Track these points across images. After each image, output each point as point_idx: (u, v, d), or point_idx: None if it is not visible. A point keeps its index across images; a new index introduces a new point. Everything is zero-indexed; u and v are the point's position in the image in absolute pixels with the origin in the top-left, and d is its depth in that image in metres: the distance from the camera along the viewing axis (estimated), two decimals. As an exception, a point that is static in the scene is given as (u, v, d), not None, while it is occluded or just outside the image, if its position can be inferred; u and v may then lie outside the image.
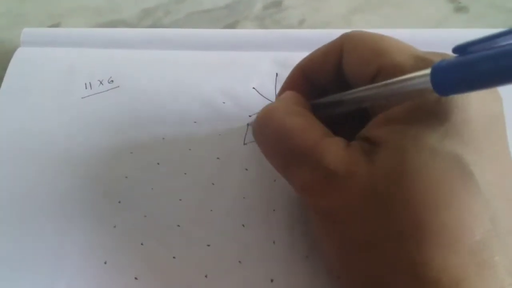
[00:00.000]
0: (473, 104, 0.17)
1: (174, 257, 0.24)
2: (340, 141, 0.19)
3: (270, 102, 0.28)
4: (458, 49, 0.16)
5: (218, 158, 0.27)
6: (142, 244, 0.24)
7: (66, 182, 0.26)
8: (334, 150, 0.19)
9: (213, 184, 0.26)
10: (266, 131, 0.21)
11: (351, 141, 0.19)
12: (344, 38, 0.22)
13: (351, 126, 0.21)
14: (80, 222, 0.25)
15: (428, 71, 0.16)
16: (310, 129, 0.20)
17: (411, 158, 0.17)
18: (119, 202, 0.25)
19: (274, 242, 0.24)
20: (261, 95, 0.29)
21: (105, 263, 0.24)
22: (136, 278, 0.23)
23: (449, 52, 0.17)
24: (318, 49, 0.23)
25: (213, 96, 0.29)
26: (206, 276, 0.23)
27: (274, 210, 0.25)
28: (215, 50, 0.31)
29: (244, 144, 0.27)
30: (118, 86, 0.30)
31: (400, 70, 0.18)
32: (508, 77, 0.14)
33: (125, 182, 0.26)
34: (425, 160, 0.17)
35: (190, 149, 0.27)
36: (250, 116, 0.28)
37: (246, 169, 0.26)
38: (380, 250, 0.17)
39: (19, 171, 0.27)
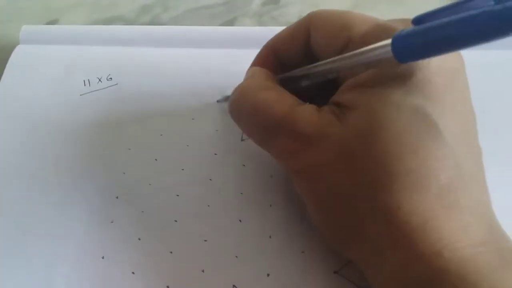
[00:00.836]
0: (433, 62, 0.19)
1: (171, 252, 0.24)
2: (311, 107, 0.20)
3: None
4: (416, 20, 0.18)
5: (215, 154, 0.27)
6: (139, 239, 0.24)
7: (64, 177, 0.27)
8: (306, 116, 0.20)
9: (210, 179, 0.26)
10: (242, 108, 0.23)
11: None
12: (310, 16, 0.23)
13: (321, 96, 0.22)
14: (78, 217, 0.25)
15: (389, 41, 0.17)
16: (282, 100, 0.21)
17: (378, 114, 0.18)
18: (117, 197, 0.26)
19: (270, 237, 0.24)
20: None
21: (103, 258, 0.24)
22: (133, 273, 0.23)
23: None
24: (286, 29, 0.24)
25: (211, 93, 0.29)
26: (203, 271, 0.23)
27: (270, 205, 0.25)
28: (213, 47, 0.31)
29: (242, 140, 0.27)
30: (117, 84, 0.30)
31: (364, 40, 0.19)
32: (454, 44, 0.15)
33: (123, 177, 0.26)
34: (390, 114, 0.18)
35: (187, 145, 0.27)
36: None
37: (243, 165, 0.27)
38: (353, 201, 0.19)
39: (17, 168, 0.27)
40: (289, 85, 0.23)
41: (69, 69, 0.31)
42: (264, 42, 0.31)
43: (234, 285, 0.23)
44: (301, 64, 0.23)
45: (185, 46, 0.32)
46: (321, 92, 0.22)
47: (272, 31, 0.32)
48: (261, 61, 0.25)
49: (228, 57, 0.31)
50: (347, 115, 0.19)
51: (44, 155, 0.27)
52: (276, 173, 0.26)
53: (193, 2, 0.36)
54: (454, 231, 0.17)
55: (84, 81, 0.30)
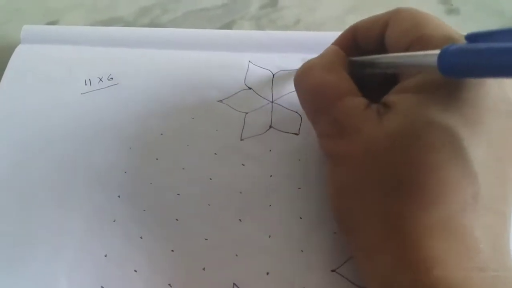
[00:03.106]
0: (487, 86, 0.19)
1: (172, 251, 0.24)
2: (361, 101, 0.21)
3: (266, 100, 0.29)
4: (470, 37, 0.17)
5: (215, 153, 0.27)
6: (141, 237, 0.25)
7: (65, 177, 0.27)
8: (353, 108, 0.21)
9: (210, 179, 0.26)
10: (303, 84, 0.24)
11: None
12: (393, 11, 0.23)
13: (385, 91, 0.22)
14: (80, 216, 0.25)
15: (438, 51, 0.17)
16: (339, 86, 0.22)
17: (411, 123, 0.19)
18: (119, 196, 0.26)
19: (270, 236, 0.25)
20: (258, 95, 0.30)
21: (105, 256, 0.24)
22: (135, 271, 0.24)
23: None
24: (372, 16, 0.25)
25: (210, 93, 0.30)
26: (203, 269, 0.24)
27: (270, 205, 0.25)
28: (213, 50, 0.32)
29: (241, 139, 0.28)
30: (118, 83, 0.30)
31: (428, 44, 0.20)
32: (506, 72, 0.15)
33: (124, 177, 0.27)
34: (423, 127, 0.18)
35: (188, 145, 0.28)
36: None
37: (243, 165, 0.27)
38: (363, 197, 0.20)
39: (18, 167, 0.27)
40: (356, 69, 0.24)
41: (70, 69, 0.31)
42: (262, 45, 0.32)
43: (234, 283, 0.23)
44: (374, 53, 0.23)
45: (185, 48, 0.32)
46: (384, 88, 0.23)
47: (271, 35, 0.33)
48: (342, 39, 0.26)
49: (227, 59, 0.31)
50: (387, 115, 0.20)
51: (45, 154, 0.28)
52: (276, 173, 0.26)
53: (192, 5, 0.37)
54: (450, 253, 0.17)
55: (85, 80, 0.31)
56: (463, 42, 0.18)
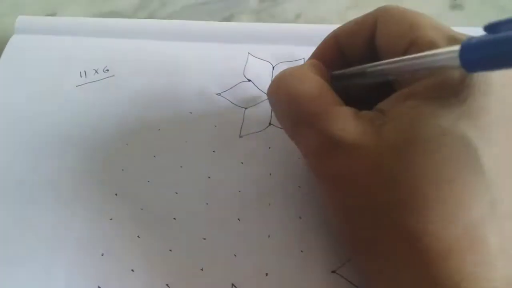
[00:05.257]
0: (493, 92, 0.18)
1: (170, 250, 0.24)
2: (349, 111, 0.20)
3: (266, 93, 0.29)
4: (488, 28, 0.16)
5: (213, 151, 0.27)
6: (138, 236, 0.24)
7: (60, 173, 0.26)
8: (342, 118, 0.19)
9: (209, 177, 0.26)
10: (278, 94, 0.22)
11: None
12: (379, 10, 0.22)
13: (369, 101, 0.21)
14: (76, 214, 0.25)
15: (457, 47, 0.16)
16: (320, 96, 0.20)
17: (421, 133, 0.17)
18: (116, 194, 0.26)
19: (269, 236, 0.24)
20: (257, 87, 0.29)
21: (102, 255, 0.24)
22: (132, 270, 0.23)
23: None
24: (353, 20, 0.23)
25: (209, 87, 0.29)
26: (202, 269, 0.23)
27: (269, 204, 0.25)
28: (211, 42, 0.31)
29: (240, 136, 0.27)
30: (114, 75, 0.30)
31: (431, 46, 0.18)
32: None
33: (121, 174, 0.26)
34: (435, 137, 0.17)
35: (186, 142, 0.27)
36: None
37: (242, 163, 0.27)
38: (377, 217, 0.18)
39: (13, 160, 0.27)
40: (342, 82, 0.22)
41: (65, 60, 0.31)
42: (262, 37, 0.31)
43: (233, 284, 0.23)
44: (363, 59, 0.22)
45: (183, 40, 0.31)
46: (371, 96, 0.21)
47: (270, 27, 0.32)
48: (322, 50, 0.24)
49: (226, 51, 0.31)
50: (388, 125, 0.18)
51: (40, 149, 0.27)
52: (275, 171, 0.26)
53: (190, -2, 0.36)
54: (475, 265, 0.17)
55: (80, 72, 0.30)
56: (465, 37, 0.17)
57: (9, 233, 0.25)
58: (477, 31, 0.16)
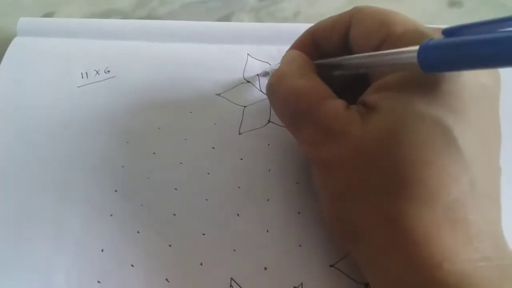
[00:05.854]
0: (464, 75, 0.18)
1: (170, 246, 0.24)
2: (340, 103, 0.21)
3: (265, 94, 0.29)
4: (447, 32, 0.17)
5: (213, 148, 0.27)
6: (138, 232, 0.24)
7: (62, 171, 0.27)
8: (333, 110, 0.20)
9: (208, 173, 0.26)
10: (276, 94, 0.23)
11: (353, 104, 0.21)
12: (354, 10, 0.23)
13: (354, 92, 0.22)
14: (77, 210, 0.25)
15: (416, 47, 0.17)
16: (315, 90, 0.22)
17: (399, 121, 0.18)
18: (116, 191, 0.26)
19: (268, 231, 0.24)
20: (255, 87, 0.29)
21: (102, 251, 0.24)
22: (132, 266, 0.24)
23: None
24: (329, 18, 0.24)
25: (208, 87, 0.29)
26: (201, 264, 0.24)
27: (268, 200, 0.25)
28: (211, 43, 0.31)
29: (239, 134, 0.28)
30: (115, 76, 0.30)
31: (400, 42, 0.19)
32: (481, 63, 0.15)
33: (121, 171, 0.26)
34: (411, 123, 0.18)
35: (185, 139, 0.27)
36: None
37: (241, 159, 0.27)
38: (362, 201, 0.19)
39: (15, 160, 0.27)
40: (322, 72, 0.23)
41: (67, 61, 0.31)
42: (261, 38, 0.32)
43: (232, 278, 0.23)
44: (338, 55, 0.23)
45: (183, 41, 0.32)
46: (354, 88, 0.22)
47: (269, 27, 0.32)
48: (300, 45, 0.25)
49: (226, 52, 0.31)
50: (370, 116, 0.19)
51: (41, 148, 0.27)
52: (274, 168, 0.26)
53: (190, -4, 0.36)
54: (457, 245, 0.17)
55: (81, 73, 0.30)
56: (435, 36, 0.18)
57: (9, 228, 0.25)
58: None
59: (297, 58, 0.24)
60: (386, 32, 0.20)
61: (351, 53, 0.22)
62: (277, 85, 0.23)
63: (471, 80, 0.19)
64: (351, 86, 0.23)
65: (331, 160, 0.20)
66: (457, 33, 0.17)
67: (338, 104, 0.21)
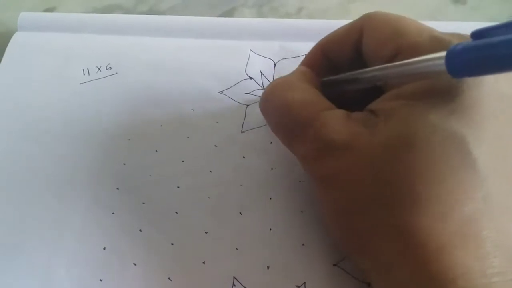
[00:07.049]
0: (485, 85, 0.18)
1: (172, 244, 0.24)
2: (340, 113, 0.20)
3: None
4: (475, 34, 0.16)
5: (215, 145, 0.27)
6: (140, 230, 0.24)
7: (63, 168, 0.26)
8: (333, 121, 0.19)
9: (210, 171, 0.26)
10: (269, 105, 0.23)
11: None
12: (364, 18, 0.22)
13: (361, 102, 0.21)
14: (79, 208, 0.25)
15: (443, 53, 0.16)
16: (310, 103, 0.21)
17: (414, 131, 0.18)
18: (118, 188, 0.26)
19: (270, 230, 0.24)
20: (259, 84, 0.29)
21: (104, 249, 0.24)
22: (134, 264, 0.23)
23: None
24: (339, 28, 0.23)
25: (211, 84, 0.29)
26: (203, 263, 0.24)
27: (270, 198, 0.25)
28: (213, 38, 0.31)
29: (242, 132, 0.27)
30: (116, 73, 0.30)
31: (417, 50, 0.18)
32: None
33: (123, 169, 0.26)
34: (427, 135, 0.17)
35: (188, 137, 0.27)
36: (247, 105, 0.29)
37: (244, 157, 0.27)
38: (371, 215, 0.18)
39: (15, 157, 0.27)
40: (333, 88, 0.23)
41: (68, 58, 0.31)
42: (264, 34, 0.31)
43: (234, 277, 0.23)
44: (351, 66, 0.22)
45: (186, 36, 0.31)
46: (362, 98, 0.21)
47: (272, 23, 0.32)
48: (310, 59, 0.25)
49: (228, 48, 0.31)
50: (380, 124, 0.18)
51: (43, 145, 0.27)
52: (277, 166, 0.26)
53: (192, -9, 0.36)
54: (470, 261, 0.17)
55: (83, 70, 0.30)
56: (453, 42, 0.17)
57: (11, 227, 0.25)
58: (480, 25, 0.16)
59: (295, 71, 0.23)
60: (400, 41, 0.20)
61: (363, 63, 0.22)
62: (270, 97, 0.22)
63: (492, 91, 0.18)
64: (356, 97, 0.22)
65: (333, 175, 0.19)
66: (487, 35, 0.16)
67: (338, 114, 0.20)
